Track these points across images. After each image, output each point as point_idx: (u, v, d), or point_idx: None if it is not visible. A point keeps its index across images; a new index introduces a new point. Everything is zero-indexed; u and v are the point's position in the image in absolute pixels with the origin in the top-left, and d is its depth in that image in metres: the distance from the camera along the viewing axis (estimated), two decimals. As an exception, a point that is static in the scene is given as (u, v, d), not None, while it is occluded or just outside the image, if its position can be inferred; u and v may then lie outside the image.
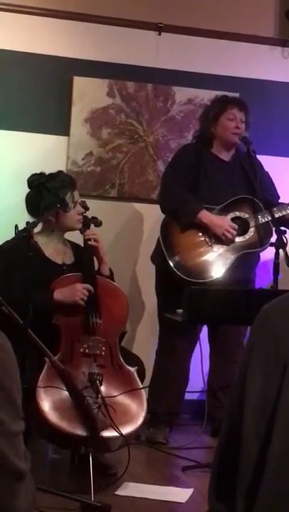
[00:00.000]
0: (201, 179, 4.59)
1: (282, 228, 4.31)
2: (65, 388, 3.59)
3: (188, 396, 4.79)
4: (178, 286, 4.19)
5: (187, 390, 4.74)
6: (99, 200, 4.98)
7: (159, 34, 5.11)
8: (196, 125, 5.09)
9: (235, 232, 4.49)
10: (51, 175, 4.10)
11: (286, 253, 4.16)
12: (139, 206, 5.18)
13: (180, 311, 3.89)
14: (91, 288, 3.93)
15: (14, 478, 1.51)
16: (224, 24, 5.19)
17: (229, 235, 4.47)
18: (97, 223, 4.19)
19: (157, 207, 4.73)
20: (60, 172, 4.20)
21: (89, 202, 4.24)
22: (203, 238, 4.53)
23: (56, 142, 5.02)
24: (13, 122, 4.95)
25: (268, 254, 4.59)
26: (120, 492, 3.67)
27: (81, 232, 4.16)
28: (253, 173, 4.59)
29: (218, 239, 4.50)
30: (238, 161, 4.68)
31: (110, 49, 5.05)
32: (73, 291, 3.89)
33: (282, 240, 4.20)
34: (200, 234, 4.53)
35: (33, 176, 4.11)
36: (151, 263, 4.74)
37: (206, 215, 4.48)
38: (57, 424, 3.57)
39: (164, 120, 5.18)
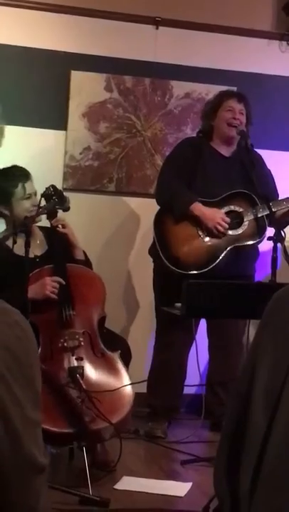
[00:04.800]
0: (198, 173, 4.58)
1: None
2: (47, 389, 3.52)
3: (185, 390, 4.79)
4: (173, 280, 4.19)
5: (184, 384, 4.74)
6: (97, 194, 4.98)
7: (157, 28, 5.10)
8: (193, 119, 5.08)
9: (226, 225, 4.47)
10: (2, 170, 4.07)
11: (284, 247, 4.15)
12: (137, 200, 5.17)
13: (178, 304, 3.88)
14: (61, 280, 3.85)
15: (36, 472, 1.35)
16: (222, 18, 5.19)
17: (221, 228, 4.46)
18: (65, 208, 3.98)
19: (155, 201, 4.72)
20: (13, 166, 4.14)
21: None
22: (195, 230, 4.51)
23: (54, 137, 5.01)
24: (11, 117, 4.93)
25: (266, 247, 4.59)
26: (119, 486, 3.67)
27: (49, 221, 4.03)
28: (252, 167, 4.57)
29: (210, 231, 4.49)
30: (239, 156, 4.65)
31: (108, 43, 5.04)
32: (42, 286, 3.82)
33: (280, 233, 4.19)
34: (192, 226, 4.50)
35: None
36: (148, 257, 4.74)
37: (198, 208, 4.47)
38: (43, 426, 3.50)
39: (162, 114, 5.17)
